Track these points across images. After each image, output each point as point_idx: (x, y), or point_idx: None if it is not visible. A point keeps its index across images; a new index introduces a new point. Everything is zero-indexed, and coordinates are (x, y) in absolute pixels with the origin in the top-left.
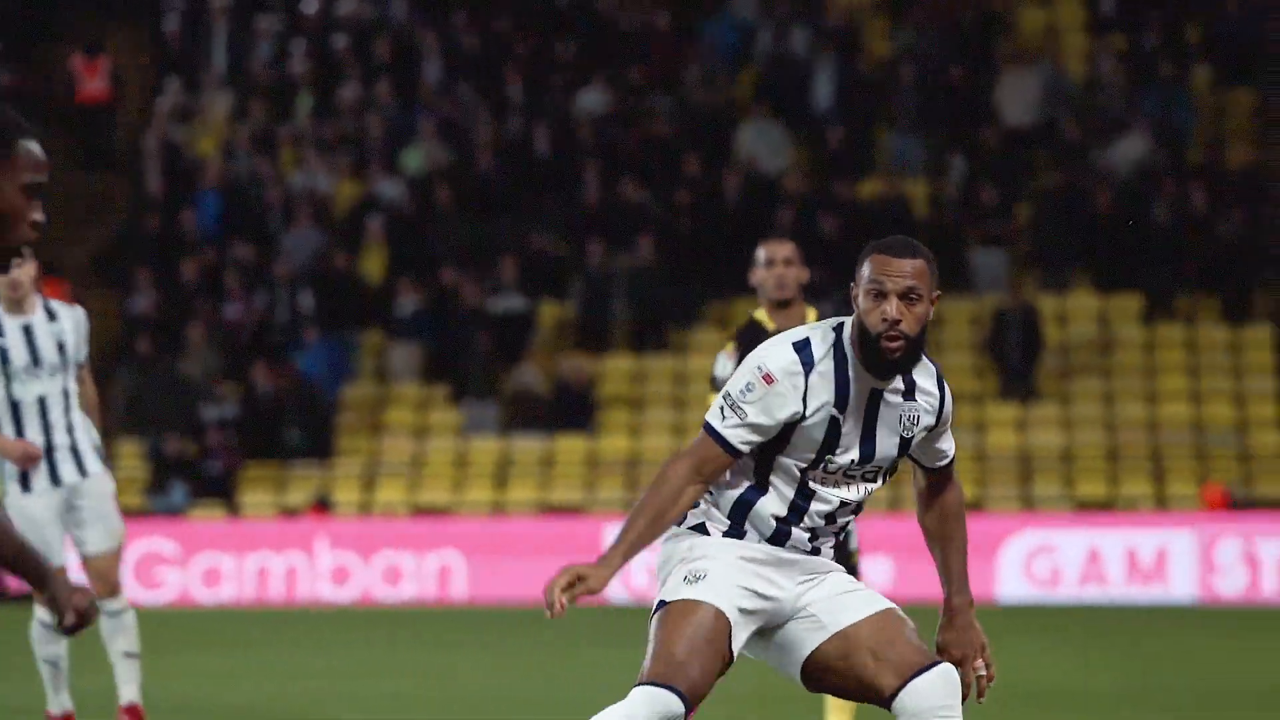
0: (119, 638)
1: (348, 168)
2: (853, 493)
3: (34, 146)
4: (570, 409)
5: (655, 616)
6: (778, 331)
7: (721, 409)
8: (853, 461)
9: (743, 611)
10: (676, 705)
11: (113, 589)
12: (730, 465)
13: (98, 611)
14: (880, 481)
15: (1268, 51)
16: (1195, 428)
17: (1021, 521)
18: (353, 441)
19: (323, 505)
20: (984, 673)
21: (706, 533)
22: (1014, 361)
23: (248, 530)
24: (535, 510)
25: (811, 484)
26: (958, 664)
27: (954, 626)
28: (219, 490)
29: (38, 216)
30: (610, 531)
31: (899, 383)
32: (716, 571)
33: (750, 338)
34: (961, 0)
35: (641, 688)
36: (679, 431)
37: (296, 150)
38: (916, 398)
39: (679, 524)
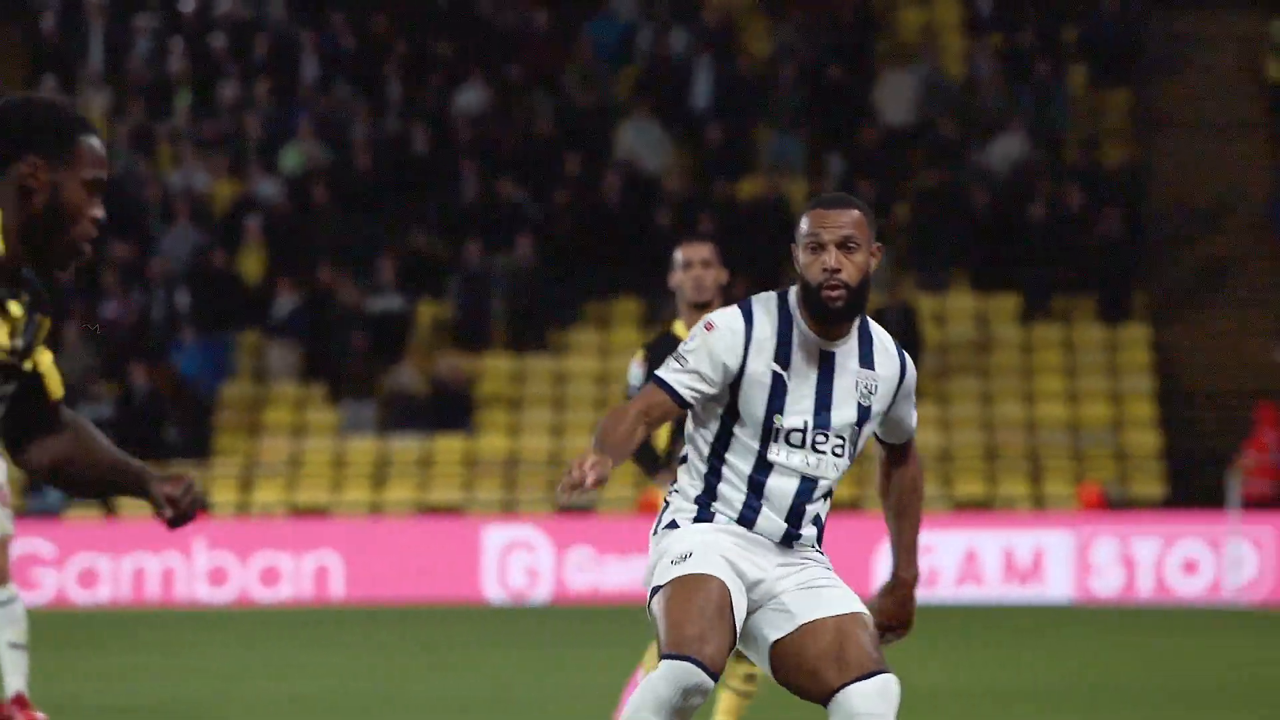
0: (7, 628)
1: (226, 166)
2: (813, 465)
3: (95, 142)
4: (449, 409)
5: (656, 599)
6: None
7: (669, 362)
8: (806, 424)
9: (737, 580)
10: (698, 675)
11: (1, 578)
12: (676, 414)
13: (195, 500)
14: (845, 458)
15: (1143, 52)
16: (1072, 428)
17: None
18: (230, 441)
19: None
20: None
21: (678, 527)
22: None
23: (124, 531)
24: (413, 510)
25: (769, 456)
26: (885, 631)
27: (893, 597)
28: None
29: (98, 213)
30: (491, 532)
31: (854, 349)
32: (701, 548)
33: (663, 348)
34: (840, 0)
35: (664, 662)
36: (558, 431)
37: (174, 149)
38: (875, 366)
39: (655, 529)
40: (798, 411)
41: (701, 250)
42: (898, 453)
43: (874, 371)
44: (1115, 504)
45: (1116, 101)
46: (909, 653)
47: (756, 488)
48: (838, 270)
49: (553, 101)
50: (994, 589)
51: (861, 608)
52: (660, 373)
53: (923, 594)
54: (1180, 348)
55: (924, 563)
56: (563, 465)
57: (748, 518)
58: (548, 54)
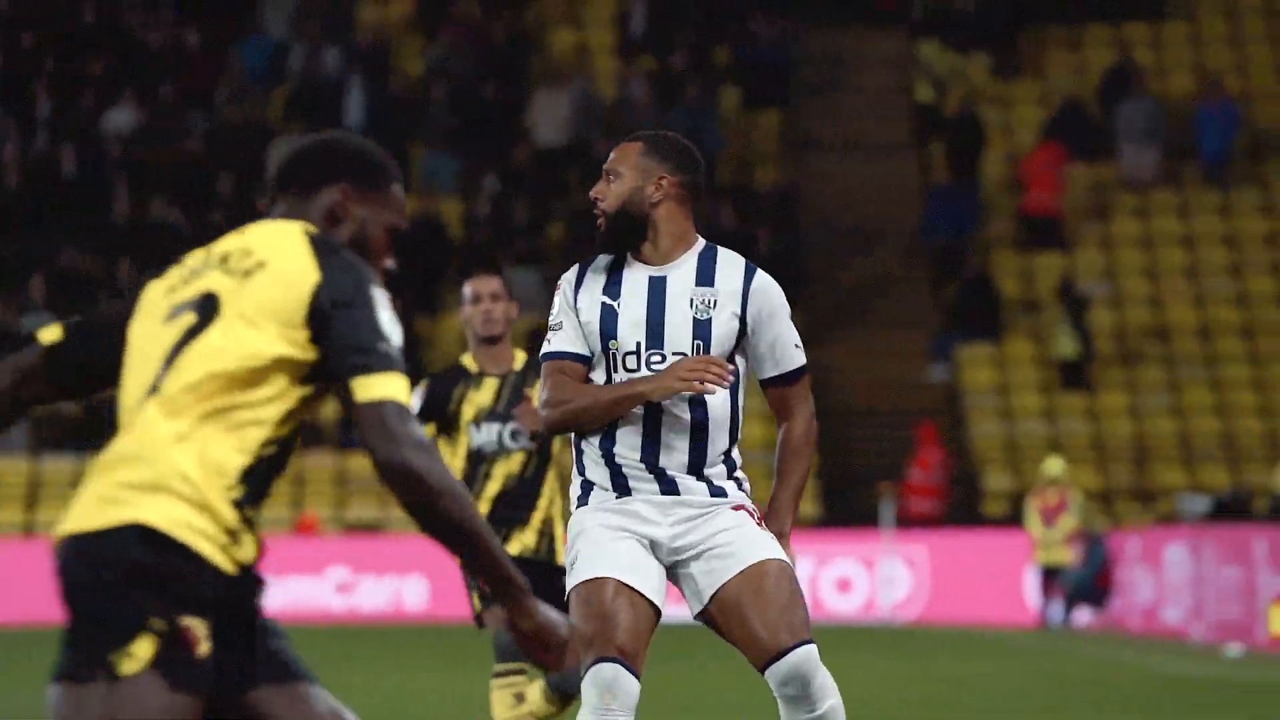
0: None
1: None
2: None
3: (401, 192)
4: (104, 429)
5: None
6: (481, 372)
7: (547, 338)
8: (639, 345)
9: (631, 551)
10: (611, 669)
11: None
12: (582, 373)
13: (564, 654)
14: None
15: (794, 74)
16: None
17: None
18: None
19: None
20: None
21: (578, 506)
22: None
23: None
24: None
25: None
26: None
27: None
28: None
29: (390, 264)
30: None
31: (689, 269)
32: (586, 546)
33: (448, 380)
34: (492, 19)
35: (586, 674)
36: None
37: None
38: (715, 282)
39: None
40: (630, 335)
41: (491, 284)
42: (781, 402)
43: (712, 287)
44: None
45: (768, 123)
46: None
47: (611, 436)
48: (598, 199)
49: (205, 120)
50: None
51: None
52: (546, 349)
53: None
54: (833, 368)
55: None
56: None
57: (619, 483)
58: (199, 73)
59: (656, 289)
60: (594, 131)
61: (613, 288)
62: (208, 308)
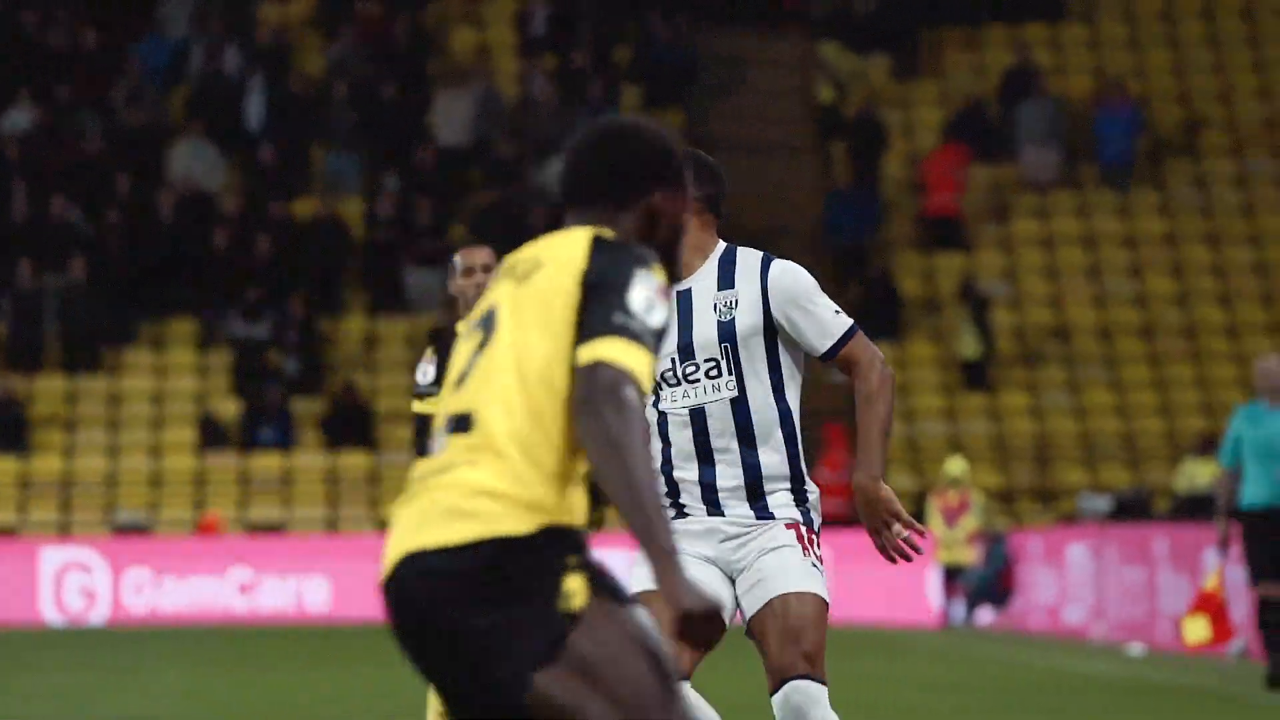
0: None
1: None
2: (693, 396)
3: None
4: (1, 430)
5: None
6: None
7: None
8: (673, 360)
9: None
10: None
11: None
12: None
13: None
14: (728, 376)
15: (695, 74)
16: None
17: None
18: None
19: None
20: (903, 535)
21: None
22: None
23: None
24: None
25: (661, 406)
26: (873, 534)
27: (862, 503)
28: None
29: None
30: (47, 553)
31: (711, 276)
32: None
33: (449, 343)
34: (393, 19)
35: None
36: (113, 452)
37: None
38: (736, 284)
39: None
40: (666, 352)
41: (481, 255)
42: (846, 365)
43: (733, 289)
44: None
45: (670, 122)
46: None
47: (666, 453)
48: None
49: (103, 121)
50: None
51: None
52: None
53: None
54: None
55: None
56: (118, 485)
57: (674, 500)
58: (97, 73)
59: (682, 303)
60: (496, 131)
61: None
62: (490, 321)
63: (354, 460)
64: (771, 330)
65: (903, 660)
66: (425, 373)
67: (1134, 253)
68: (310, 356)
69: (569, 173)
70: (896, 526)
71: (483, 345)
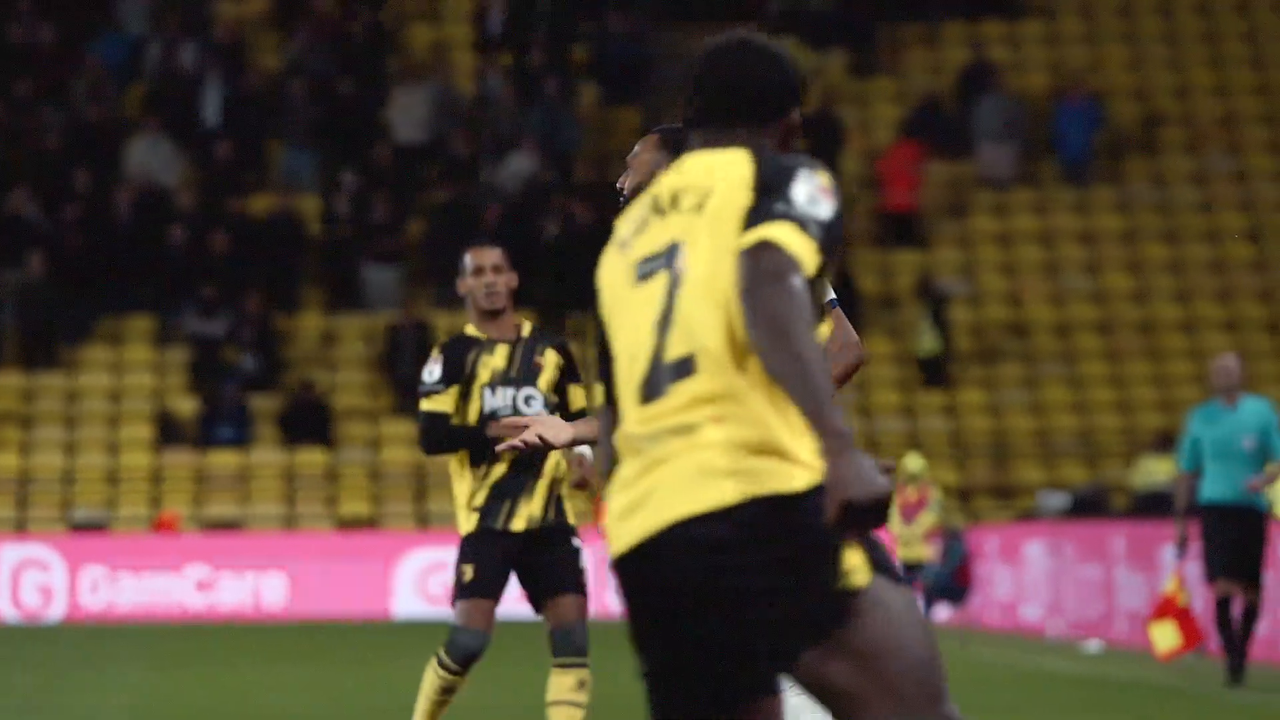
0: None
1: None
2: None
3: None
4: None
5: None
6: (490, 340)
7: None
8: None
9: None
10: None
11: None
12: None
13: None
14: None
15: (651, 71)
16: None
17: (416, 538)
18: None
19: None
20: None
21: None
22: (407, 377)
23: None
24: None
25: None
26: None
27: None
28: None
29: None
30: (3, 550)
31: None
32: None
33: (460, 346)
34: (350, 15)
35: None
36: (70, 449)
37: None
38: None
39: None
40: None
41: (492, 255)
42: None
43: None
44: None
45: (626, 120)
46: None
47: None
48: (622, 190)
49: (61, 116)
50: (512, 606)
51: None
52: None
53: (442, 611)
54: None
55: (441, 579)
56: (75, 482)
57: None
58: (55, 68)
59: None
60: (453, 128)
61: None
62: (674, 256)
63: (311, 457)
64: None
65: None
66: (432, 372)
67: (1092, 250)
68: (267, 353)
69: (707, 94)
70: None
71: (675, 282)
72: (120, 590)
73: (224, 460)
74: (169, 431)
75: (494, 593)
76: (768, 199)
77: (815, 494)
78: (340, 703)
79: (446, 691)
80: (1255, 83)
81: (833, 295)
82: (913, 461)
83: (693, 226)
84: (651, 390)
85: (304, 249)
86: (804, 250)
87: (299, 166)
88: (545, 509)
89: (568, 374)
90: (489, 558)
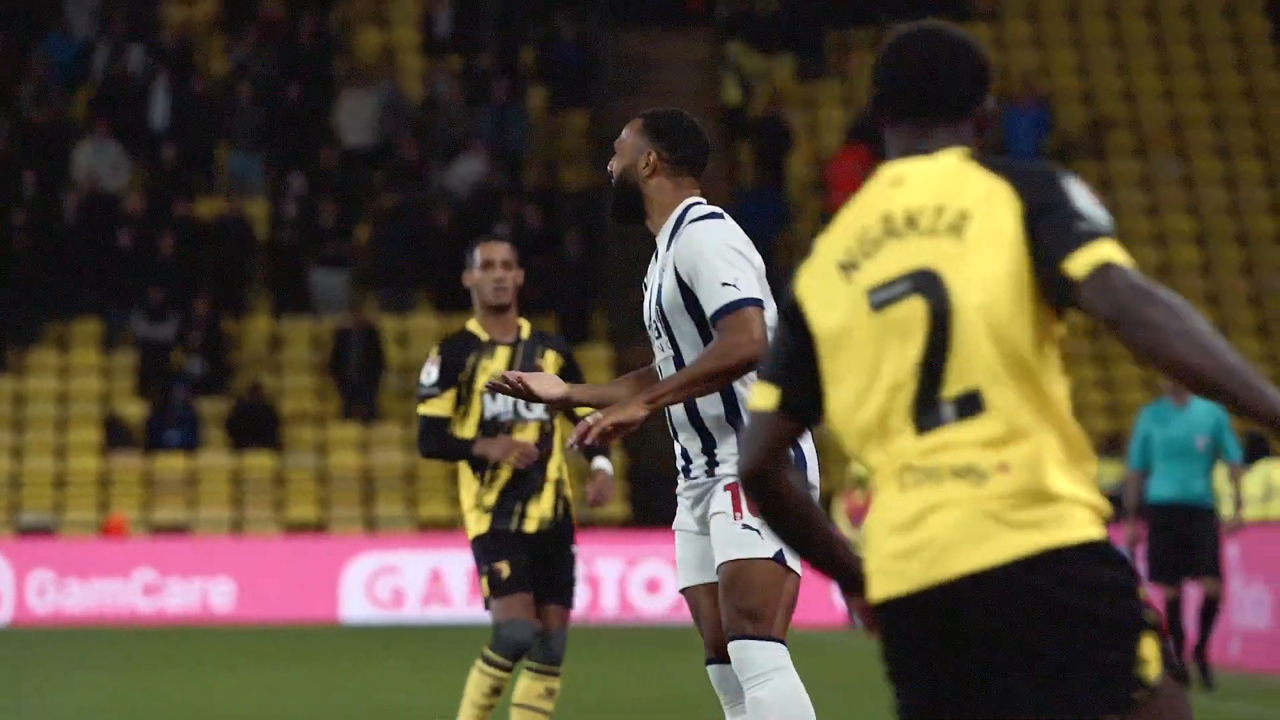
0: None
1: None
2: (660, 358)
3: None
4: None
5: None
6: (492, 340)
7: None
8: (649, 318)
9: (683, 559)
10: (711, 671)
11: None
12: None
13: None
14: (668, 345)
15: (600, 74)
16: None
17: (364, 543)
18: None
19: None
20: (603, 426)
21: None
22: (355, 382)
23: None
24: None
25: (654, 364)
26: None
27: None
28: None
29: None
30: None
31: (666, 235)
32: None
33: (460, 347)
34: (297, 19)
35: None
36: (18, 453)
37: None
38: (671, 247)
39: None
40: (648, 315)
41: (501, 250)
42: (716, 329)
43: (668, 253)
44: (579, 524)
45: (575, 123)
46: (375, 675)
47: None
48: (611, 174)
49: (8, 120)
50: (460, 609)
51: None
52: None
53: (390, 615)
54: (638, 368)
55: (390, 583)
56: (22, 486)
57: (679, 465)
58: (1, 72)
59: (656, 259)
60: (401, 132)
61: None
62: (934, 284)
63: (259, 461)
64: (690, 294)
65: (808, 660)
66: (429, 374)
67: None
68: (215, 357)
69: (899, 90)
70: (601, 425)
71: (942, 313)
72: (68, 594)
73: (172, 464)
74: (117, 435)
75: (529, 586)
76: (1055, 218)
77: (1105, 545)
78: (289, 706)
79: (495, 692)
80: (1202, 87)
81: (735, 296)
82: (861, 466)
83: (951, 252)
84: (926, 422)
85: (252, 253)
86: (1127, 258)
87: (247, 170)
88: (554, 509)
89: (568, 374)
90: (516, 555)
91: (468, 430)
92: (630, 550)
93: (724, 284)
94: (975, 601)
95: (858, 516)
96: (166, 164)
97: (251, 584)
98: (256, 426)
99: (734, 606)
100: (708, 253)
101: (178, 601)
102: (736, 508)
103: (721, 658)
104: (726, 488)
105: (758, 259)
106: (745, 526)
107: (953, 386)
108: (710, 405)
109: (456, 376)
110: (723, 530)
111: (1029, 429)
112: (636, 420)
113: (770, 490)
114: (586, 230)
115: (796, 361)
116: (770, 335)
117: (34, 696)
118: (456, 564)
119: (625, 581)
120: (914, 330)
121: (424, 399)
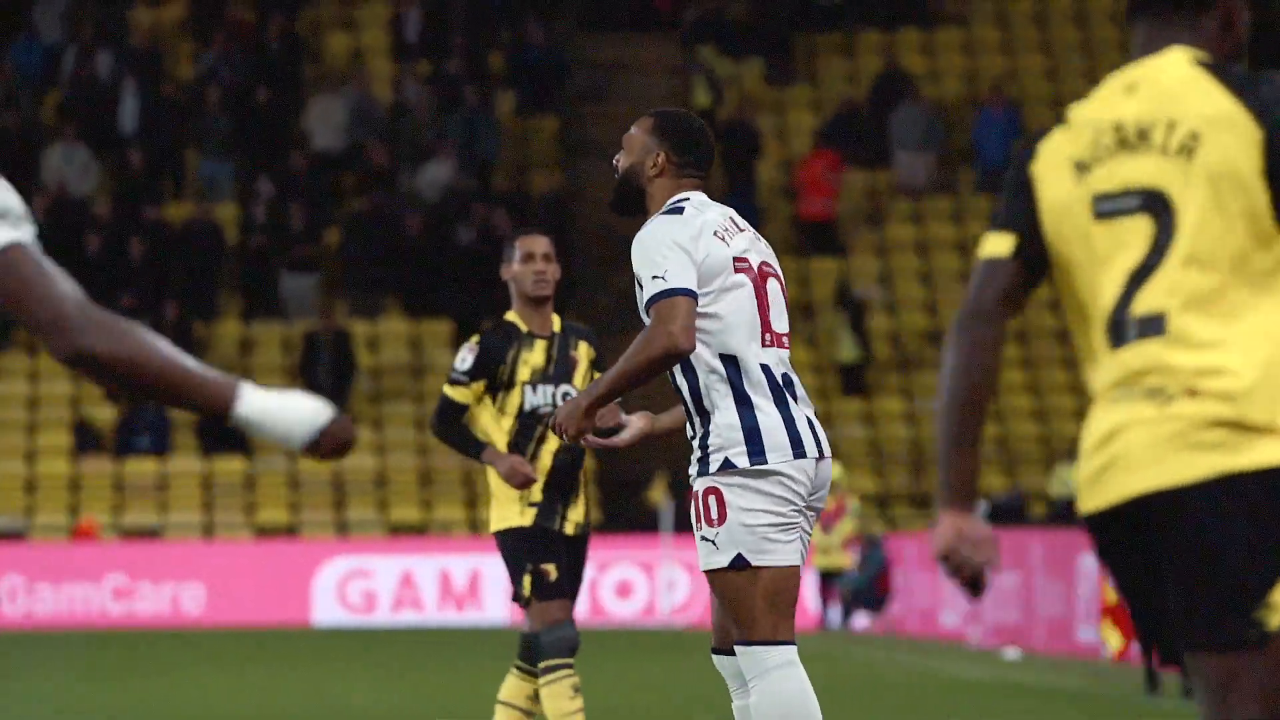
0: None
1: None
2: None
3: None
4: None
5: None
6: (530, 333)
7: None
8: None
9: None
10: (714, 661)
11: None
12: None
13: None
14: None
15: (569, 79)
16: None
17: (335, 546)
18: None
19: None
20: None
21: None
22: (326, 386)
23: None
24: None
25: None
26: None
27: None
28: None
29: None
30: None
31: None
32: None
33: (501, 340)
34: (266, 23)
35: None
36: None
37: None
38: None
39: None
40: None
41: (542, 243)
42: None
43: None
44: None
45: (544, 128)
46: (347, 678)
47: None
48: (616, 169)
49: None
50: (431, 613)
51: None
52: None
53: (361, 619)
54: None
55: (361, 586)
56: None
57: None
58: None
59: None
60: (370, 136)
61: None
62: (1163, 206)
63: (229, 466)
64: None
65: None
66: (464, 360)
67: None
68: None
69: None
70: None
71: (1164, 238)
72: (38, 599)
73: (142, 468)
74: (87, 440)
75: (567, 591)
76: None
77: None
78: (260, 709)
79: (535, 699)
80: None
81: (661, 288)
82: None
83: (1179, 177)
84: (1118, 337)
85: (221, 257)
86: None
87: (216, 175)
88: (586, 511)
89: (599, 364)
90: (559, 557)
91: (506, 421)
92: (601, 555)
93: (654, 277)
94: (1161, 519)
95: (827, 520)
96: (135, 168)
97: (223, 588)
98: (227, 430)
99: (724, 614)
100: (647, 249)
101: (148, 605)
102: (698, 517)
103: (722, 648)
104: (698, 494)
105: (715, 249)
106: (703, 538)
107: (1143, 304)
108: (692, 401)
109: (492, 369)
110: (696, 540)
111: (1221, 362)
112: (577, 419)
113: (976, 337)
114: (555, 234)
115: (1031, 219)
116: (696, 324)
117: (6, 700)
118: (427, 568)
119: (597, 586)
120: (1133, 245)
121: (453, 382)
